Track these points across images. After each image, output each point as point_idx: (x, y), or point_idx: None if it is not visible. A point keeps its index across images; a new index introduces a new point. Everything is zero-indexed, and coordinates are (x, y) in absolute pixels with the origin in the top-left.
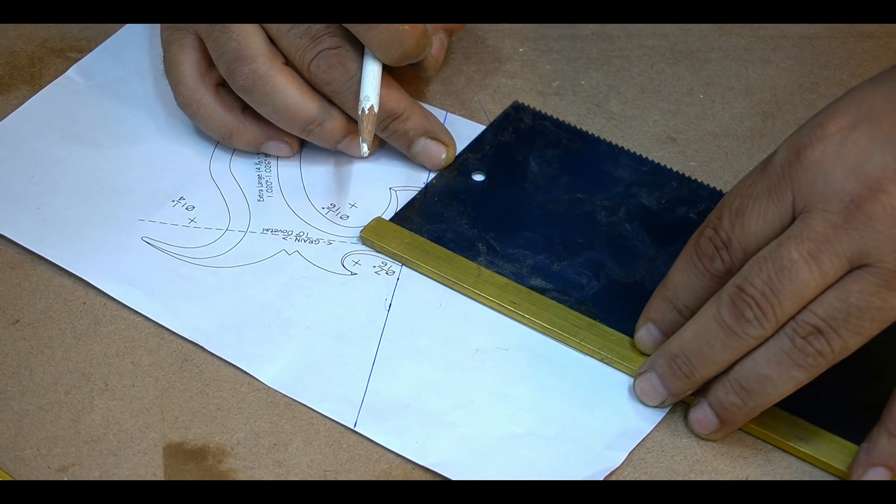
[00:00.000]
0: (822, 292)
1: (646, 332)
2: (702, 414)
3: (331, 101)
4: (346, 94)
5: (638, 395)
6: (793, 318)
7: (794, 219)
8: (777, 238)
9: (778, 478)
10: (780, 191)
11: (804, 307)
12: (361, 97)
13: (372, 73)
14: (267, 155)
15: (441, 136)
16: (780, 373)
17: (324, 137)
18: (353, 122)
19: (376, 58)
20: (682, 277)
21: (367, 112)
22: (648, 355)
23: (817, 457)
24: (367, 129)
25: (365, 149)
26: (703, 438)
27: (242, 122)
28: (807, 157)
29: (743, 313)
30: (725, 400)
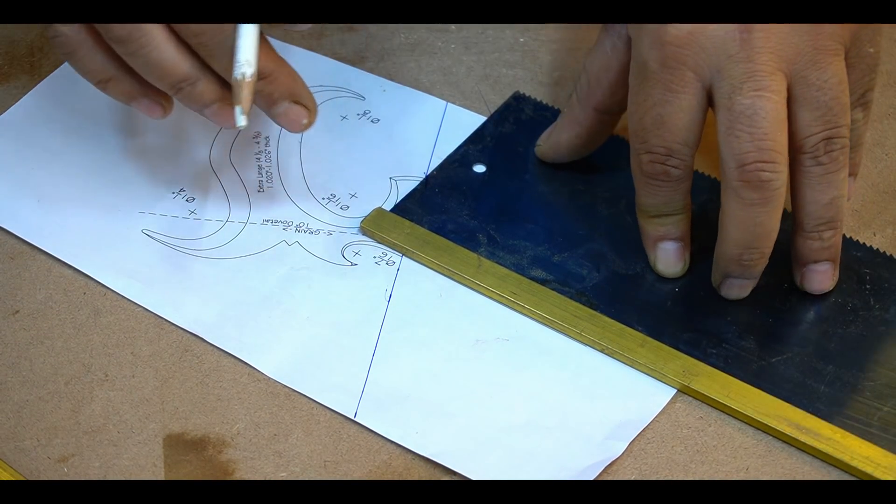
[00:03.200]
0: (793, 114)
1: (662, 252)
2: (816, 275)
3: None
4: (218, 52)
5: (730, 297)
6: (797, 149)
7: (708, 90)
8: (720, 113)
9: (778, 468)
10: (679, 80)
11: (792, 134)
12: (239, 61)
13: (249, 34)
14: (267, 145)
15: (305, 100)
16: (834, 187)
17: (193, 98)
18: (227, 86)
19: None
20: (654, 199)
21: (246, 79)
22: (667, 277)
23: (817, 447)
24: (245, 97)
25: (241, 119)
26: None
27: (120, 71)
28: (677, 38)
29: (761, 179)
30: (826, 242)
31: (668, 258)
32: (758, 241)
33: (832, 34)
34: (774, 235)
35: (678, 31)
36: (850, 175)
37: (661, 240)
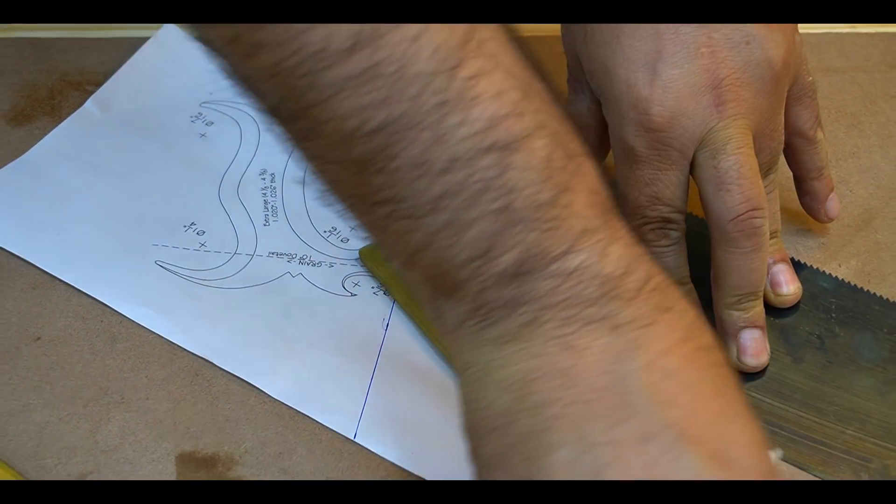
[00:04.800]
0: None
1: None
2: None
3: None
4: None
5: (751, 355)
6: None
7: (692, 160)
8: (706, 173)
9: None
10: (667, 159)
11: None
12: None
13: None
14: (273, 181)
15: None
16: (773, 201)
17: None
18: None
19: None
20: (661, 265)
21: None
22: None
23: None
24: None
25: None
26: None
27: None
28: (661, 124)
29: (754, 226)
30: (775, 245)
31: None
32: (755, 285)
33: (784, 84)
34: (764, 278)
35: (661, 117)
36: (832, 190)
37: None
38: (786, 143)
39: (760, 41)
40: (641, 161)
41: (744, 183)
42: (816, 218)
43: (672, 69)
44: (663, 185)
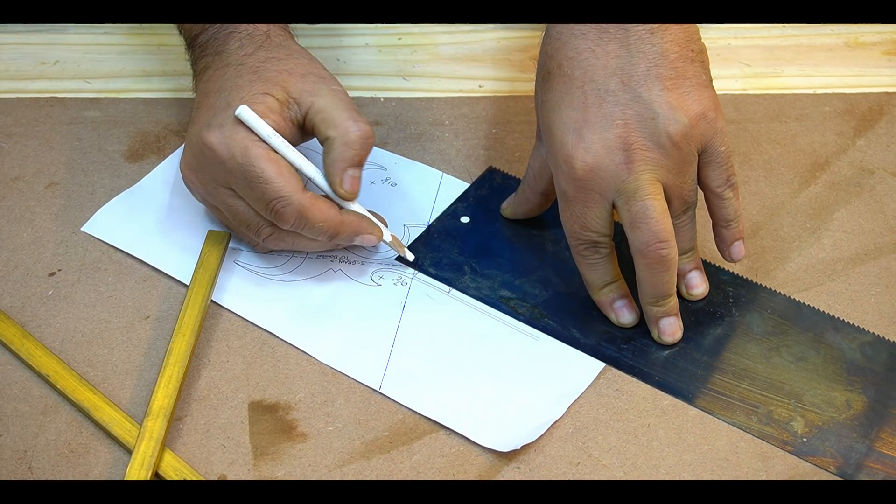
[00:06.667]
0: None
1: (616, 309)
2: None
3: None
4: None
5: (668, 335)
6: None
7: (611, 202)
8: (622, 215)
9: (672, 422)
10: (589, 199)
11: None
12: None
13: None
14: None
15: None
16: (691, 231)
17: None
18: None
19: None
20: (595, 272)
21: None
22: (626, 326)
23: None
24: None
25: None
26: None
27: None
28: (583, 173)
29: (661, 255)
30: (689, 260)
31: (623, 312)
32: (667, 292)
33: (686, 149)
34: (675, 284)
35: (582, 170)
36: (738, 239)
37: (613, 301)
38: (704, 196)
39: (663, 118)
40: (571, 200)
41: (650, 222)
42: (722, 257)
43: (593, 135)
44: (589, 218)
